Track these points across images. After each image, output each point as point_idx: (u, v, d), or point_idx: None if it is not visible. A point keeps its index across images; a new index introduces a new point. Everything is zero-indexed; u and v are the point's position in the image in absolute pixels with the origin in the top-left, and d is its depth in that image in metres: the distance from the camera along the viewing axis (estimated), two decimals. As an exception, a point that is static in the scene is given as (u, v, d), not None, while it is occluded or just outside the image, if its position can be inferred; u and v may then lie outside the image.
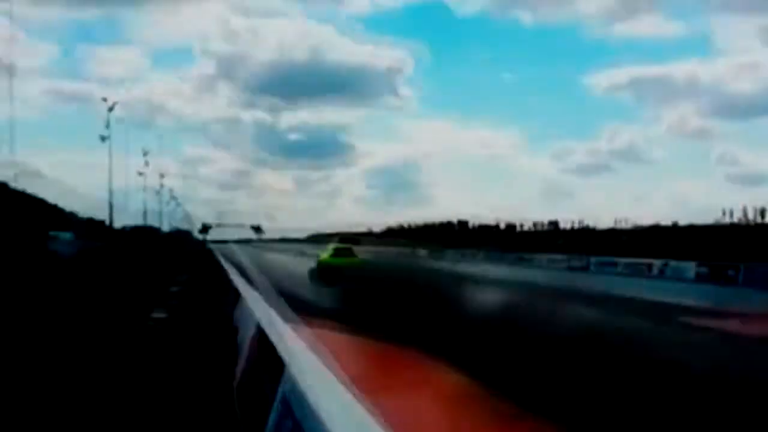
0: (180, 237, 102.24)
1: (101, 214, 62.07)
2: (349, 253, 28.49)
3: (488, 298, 18.97)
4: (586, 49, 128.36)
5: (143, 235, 77.85)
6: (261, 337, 5.89)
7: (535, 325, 13.80)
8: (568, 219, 62.91)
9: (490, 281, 26.45)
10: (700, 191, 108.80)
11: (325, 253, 28.95)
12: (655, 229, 49.53)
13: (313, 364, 4.37)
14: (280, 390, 4.36)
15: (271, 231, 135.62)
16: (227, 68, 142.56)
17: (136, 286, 20.45)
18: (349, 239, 53.26)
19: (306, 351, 4.80)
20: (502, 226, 71.28)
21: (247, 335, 7.12)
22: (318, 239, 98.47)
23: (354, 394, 3.55)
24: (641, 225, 52.49)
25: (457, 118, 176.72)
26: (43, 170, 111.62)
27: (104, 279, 23.79)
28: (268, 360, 5.11)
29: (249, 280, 14.61)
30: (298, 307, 11.70)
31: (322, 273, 26.07)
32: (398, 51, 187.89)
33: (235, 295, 10.88)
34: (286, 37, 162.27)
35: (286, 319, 6.82)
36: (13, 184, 45.25)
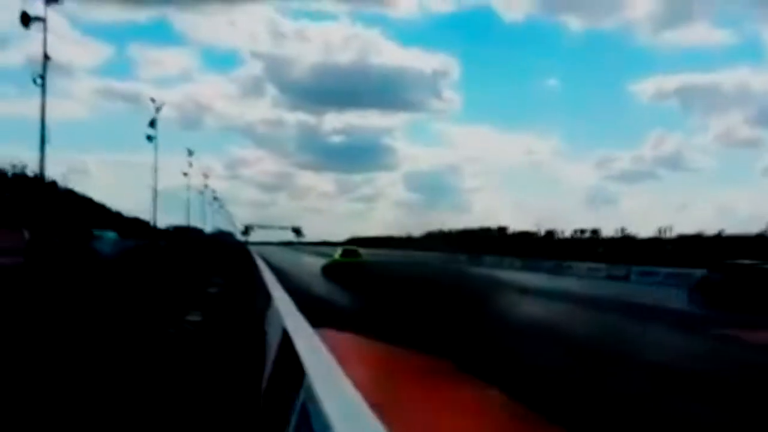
0: (222, 238, 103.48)
1: (146, 214, 63.18)
2: (354, 254, 37.87)
3: (502, 303, 18.54)
4: (633, 56, 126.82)
5: (186, 236, 78.99)
6: (285, 342, 5.82)
7: (563, 338, 13.57)
8: (609, 227, 62.01)
9: (514, 287, 26.18)
10: (746, 201, 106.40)
11: (336, 254, 38.17)
12: (699, 239, 48.41)
13: (333, 373, 4.26)
14: (300, 398, 4.26)
15: (311, 233, 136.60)
16: (274, 70, 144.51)
17: (173, 288, 20.65)
18: (353, 244, 69.74)
19: (328, 358, 4.70)
20: (542, 233, 70.49)
21: (274, 340, 7.06)
22: (357, 243, 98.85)
23: (372, 406, 3.43)
24: (685, 234, 51.40)
25: (500, 124, 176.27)
26: (91, 169, 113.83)
27: (144, 280, 24.10)
28: (291, 366, 5.02)
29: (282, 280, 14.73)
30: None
31: (334, 267, 34.50)
32: (444, 55, 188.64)
33: (267, 298, 10.86)
34: (333, 40, 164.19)
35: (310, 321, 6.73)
36: (62, 183, 46.38)
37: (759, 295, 20.62)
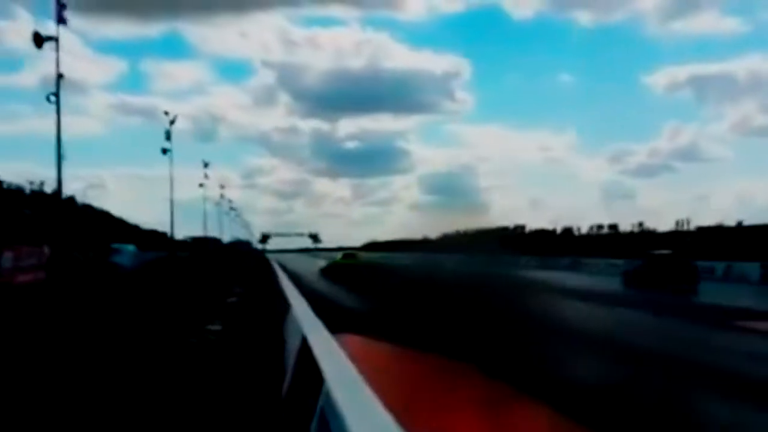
0: (240, 247, 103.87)
1: (164, 226, 63.69)
2: (353, 257, 45.60)
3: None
4: (644, 48, 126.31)
5: (204, 246, 79.41)
6: (304, 348, 5.85)
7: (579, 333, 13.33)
8: (627, 222, 61.61)
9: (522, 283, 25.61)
10: (765, 189, 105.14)
11: (338, 257, 47.49)
12: (719, 230, 47.93)
13: (352, 378, 4.28)
14: (319, 404, 4.29)
15: (328, 239, 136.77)
16: (286, 79, 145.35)
17: (194, 299, 20.79)
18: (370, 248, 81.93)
19: (346, 364, 4.72)
20: (559, 230, 70.17)
21: (293, 347, 7.09)
22: (374, 247, 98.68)
23: (390, 412, 3.45)
24: (704, 226, 50.93)
25: (514, 122, 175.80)
26: (108, 184, 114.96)
27: (164, 291, 24.27)
28: (310, 372, 5.05)
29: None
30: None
31: (336, 267, 39.40)
32: (454, 56, 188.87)
33: (286, 306, 10.91)
34: (344, 45, 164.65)
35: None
36: (80, 199, 46.87)
37: (670, 276, 26.06)
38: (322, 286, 29.50)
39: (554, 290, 17.57)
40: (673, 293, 23.90)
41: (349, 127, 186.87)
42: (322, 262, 50.74)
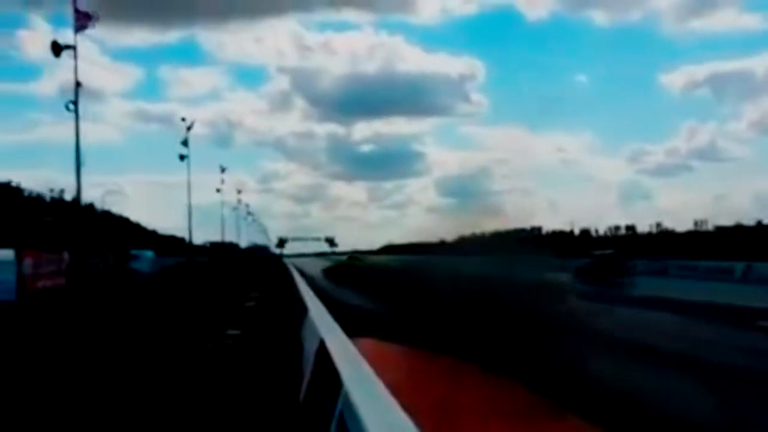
0: (257, 252, 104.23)
1: (181, 231, 63.96)
2: (357, 260, 54.70)
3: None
4: (661, 47, 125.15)
5: (222, 251, 79.75)
6: (322, 351, 5.84)
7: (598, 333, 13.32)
8: (645, 222, 61.16)
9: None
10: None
11: (344, 259, 55.42)
12: (738, 230, 47.44)
13: (370, 381, 4.27)
14: (338, 407, 4.28)
15: (344, 243, 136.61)
16: (301, 83, 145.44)
17: (212, 303, 20.88)
18: (387, 252, 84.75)
19: (364, 367, 4.71)
20: (577, 231, 69.75)
21: (311, 350, 7.09)
22: (391, 250, 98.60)
23: (410, 415, 3.43)
24: (723, 225, 50.42)
25: (529, 124, 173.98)
26: (126, 190, 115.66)
27: (183, 296, 24.41)
28: (328, 376, 5.05)
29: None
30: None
31: (341, 268, 46.19)
32: (469, 58, 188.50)
33: (303, 310, 10.92)
34: (358, 49, 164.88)
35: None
36: (99, 205, 47.25)
37: (608, 272, 30.07)
38: (326, 284, 32.38)
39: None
40: (609, 286, 28.11)
41: (364, 131, 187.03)
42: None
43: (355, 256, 56.75)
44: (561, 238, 69.23)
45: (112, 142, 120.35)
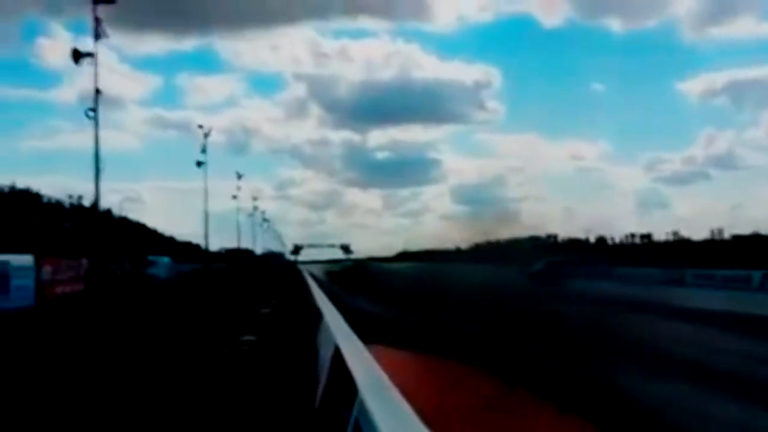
0: (272, 259, 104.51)
1: (198, 238, 64.20)
2: (361, 264, 58.12)
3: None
4: (678, 55, 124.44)
5: (238, 258, 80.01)
6: (337, 358, 5.84)
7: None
8: (661, 231, 60.63)
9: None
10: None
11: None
12: (756, 239, 46.93)
13: (385, 388, 4.26)
14: (353, 413, 4.27)
15: (359, 250, 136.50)
16: (317, 91, 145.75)
17: (229, 309, 20.95)
18: (402, 259, 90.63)
19: (379, 374, 4.70)
20: (592, 239, 69.28)
21: (326, 356, 7.09)
22: (406, 257, 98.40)
23: (425, 423, 3.42)
24: (740, 234, 49.90)
25: (545, 131, 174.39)
26: (144, 197, 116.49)
27: (200, 302, 24.50)
28: (343, 382, 5.04)
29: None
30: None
31: (345, 271, 52.56)
32: (484, 66, 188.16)
33: (318, 316, 10.93)
34: (374, 57, 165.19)
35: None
36: (117, 212, 47.60)
37: (556, 275, 35.81)
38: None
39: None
40: (556, 286, 31.95)
41: (379, 138, 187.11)
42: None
43: (360, 263, 58.13)
44: (576, 246, 68.83)
45: (131, 149, 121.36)
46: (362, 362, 5.24)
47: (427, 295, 23.30)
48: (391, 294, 27.77)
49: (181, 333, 14.87)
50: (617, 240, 66.19)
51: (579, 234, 72.52)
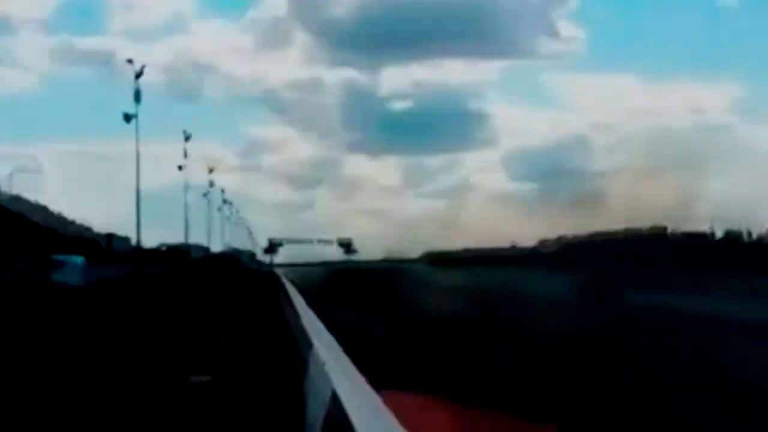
0: (236, 260, 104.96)
1: (126, 228, 64.54)
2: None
3: None
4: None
5: (183, 259, 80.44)
6: (336, 407, 5.90)
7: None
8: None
9: None
10: None
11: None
12: None
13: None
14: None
15: (366, 249, 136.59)
16: (303, 7, 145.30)
17: (167, 336, 21.05)
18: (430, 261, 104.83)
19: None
20: (719, 234, 68.99)
21: (318, 406, 7.17)
22: (437, 259, 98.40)
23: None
24: None
25: (646, 71, 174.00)
26: (45, 166, 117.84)
27: (124, 327, 24.56)
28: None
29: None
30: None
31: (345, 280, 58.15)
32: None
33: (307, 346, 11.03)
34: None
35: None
36: (6, 188, 47.94)
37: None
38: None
39: None
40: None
41: (396, 80, 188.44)
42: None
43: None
44: (695, 244, 68.50)
45: (26, 95, 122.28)
46: (373, 415, 5.28)
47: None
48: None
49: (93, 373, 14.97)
50: (754, 235, 65.91)
51: (700, 227, 72.20)
